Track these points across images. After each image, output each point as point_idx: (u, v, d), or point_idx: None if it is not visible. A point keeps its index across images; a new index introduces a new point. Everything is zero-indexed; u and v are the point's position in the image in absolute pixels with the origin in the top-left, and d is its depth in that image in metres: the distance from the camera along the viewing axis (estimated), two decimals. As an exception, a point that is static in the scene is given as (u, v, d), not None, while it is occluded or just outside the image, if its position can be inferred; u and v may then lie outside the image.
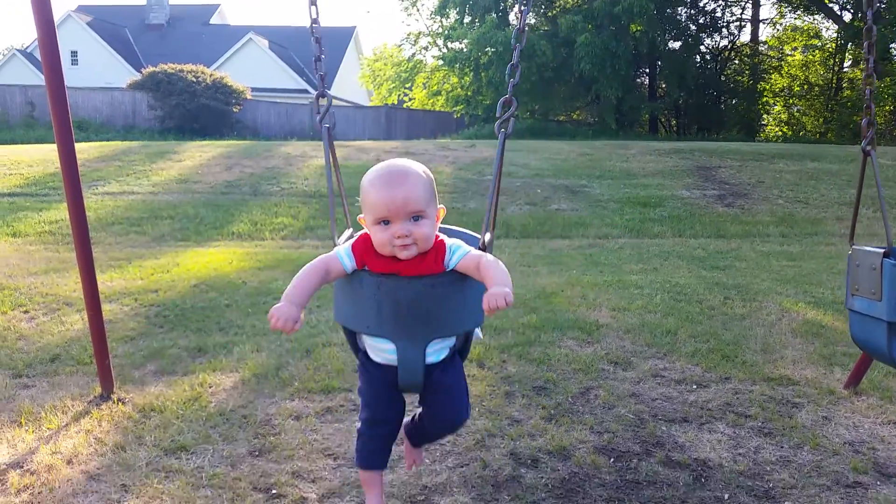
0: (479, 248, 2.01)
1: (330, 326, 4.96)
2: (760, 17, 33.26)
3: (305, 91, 35.61)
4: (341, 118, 27.04)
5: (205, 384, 3.80)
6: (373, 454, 2.13)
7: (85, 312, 4.99)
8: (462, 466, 3.01)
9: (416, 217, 1.86)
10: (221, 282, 6.37)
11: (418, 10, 34.69)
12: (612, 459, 3.11)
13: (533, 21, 29.26)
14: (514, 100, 2.20)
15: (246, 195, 11.36)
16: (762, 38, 33.66)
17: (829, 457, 3.13)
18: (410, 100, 36.63)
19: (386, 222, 1.86)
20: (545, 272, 7.22)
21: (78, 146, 3.76)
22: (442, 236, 1.98)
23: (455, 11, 28.79)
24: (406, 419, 2.27)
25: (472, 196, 11.11)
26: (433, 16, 31.91)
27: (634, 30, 25.43)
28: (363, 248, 1.94)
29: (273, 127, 26.98)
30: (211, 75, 26.32)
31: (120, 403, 3.49)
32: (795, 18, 32.79)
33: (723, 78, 31.11)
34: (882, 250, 2.27)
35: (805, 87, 31.12)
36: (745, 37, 33.27)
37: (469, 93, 27.80)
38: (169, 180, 12.10)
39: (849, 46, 27.96)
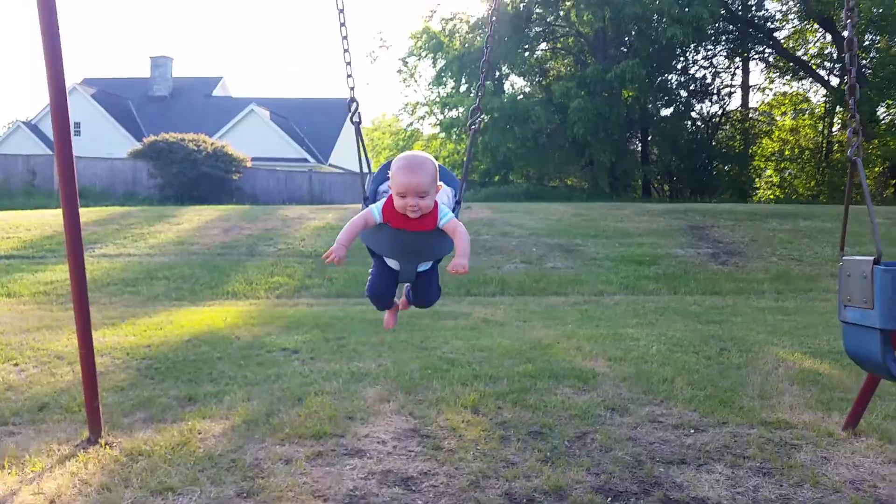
0: (458, 191, 3.17)
1: (323, 376, 4.92)
2: (750, 84, 34.17)
3: (305, 160, 36.15)
4: (339, 184, 27.35)
5: (194, 430, 3.74)
6: (381, 305, 3.16)
7: (76, 365, 4.97)
8: (455, 507, 2.94)
9: (422, 195, 2.73)
10: (214, 337, 6.34)
11: (416, 80, 35.53)
12: (609, 499, 3.05)
13: (528, 89, 30.00)
14: (481, 110, 3.33)
15: (242, 256, 11.40)
16: (752, 104, 34.50)
17: (829, 494, 3.07)
18: (408, 167, 37.08)
19: (403, 195, 2.73)
20: (541, 326, 7.20)
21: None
22: (438, 200, 2.84)
23: (452, 80, 29.53)
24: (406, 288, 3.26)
25: (467, 255, 11.13)
26: (430, 86, 32.75)
27: (626, 96, 26.03)
28: (389, 209, 2.82)
29: (272, 193, 27.25)
30: (212, 144, 26.72)
31: (107, 447, 3.43)
32: (784, 84, 33.67)
33: (714, 143, 31.73)
34: (872, 258, 2.27)
35: (796, 150, 31.70)
36: (736, 103, 34.11)
37: (465, 157, 28.23)
38: (166, 242, 12.16)
39: (837, 110, 28.59)
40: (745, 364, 5.46)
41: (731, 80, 33.73)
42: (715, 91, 32.44)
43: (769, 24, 31.35)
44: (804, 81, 32.29)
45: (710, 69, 32.45)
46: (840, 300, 2.44)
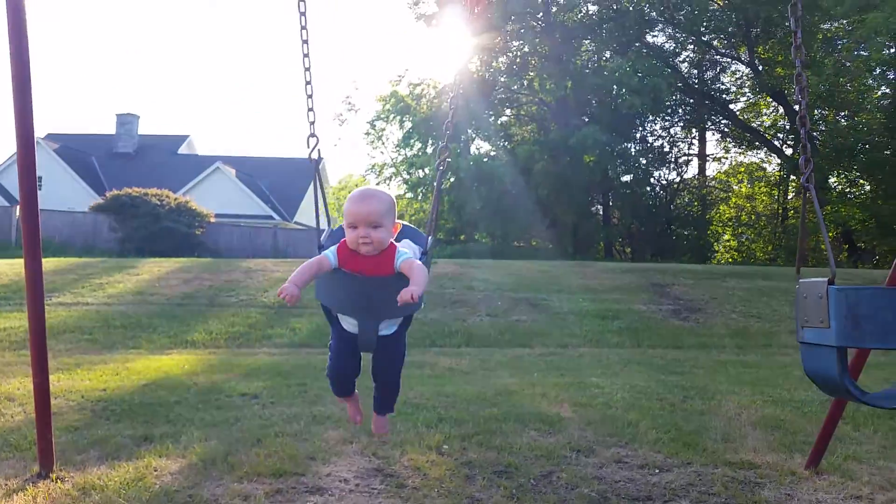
0: (425, 245, 2.85)
1: (284, 419, 4.81)
2: (707, 153, 35.33)
3: (271, 217, 36.07)
4: (305, 241, 27.25)
5: (150, 467, 3.62)
6: (342, 390, 2.92)
7: (27, 406, 4.80)
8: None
9: (375, 226, 2.55)
10: (172, 382, 6.18)
11: (383, 143, 36.03)
12: (574, 532, 3.00)
13: (493, 152, 30.59)
14: (448, 148, 3.17)
15: (203, 306, 11.21)
16: (710, 171, 35.61)
17: (794, 527, 3.07)
18: (375, 225, 37.19)
19: (354, 227, 2.55)
20: (506, 375, 7.17)
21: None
22: (398, 244, 2.66)
23: (419, 142, 30.01)
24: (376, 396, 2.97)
25: (433, 307, 11.13)
26: (397, 147, 33.21)
27: (588, 161, 26.69)
28: (344, 251, 2.62)
29: (236, 249, 27.01)
30: (175, 199, 26.57)
31: (59, 482, 3.29)
32: (740, 154, 34.88)
33: (673, 208, 32.53)
34: (826, 279, 2.34)
35: (752, 216, 32.64)
36: (693, 170, 35.19)
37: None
38: (125, 292, 11.93)
39: (791, 178, 29.62)
40: (708, 410, 5.49)
41: (689, 149, 34.89)
42: (672, 159, 33.47)
43: (724, 96, 32.67)
44: (759, 151, 33.51)
45: (667, 138, 33.56)
46: (798, 322, 2.50)
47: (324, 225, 3.03)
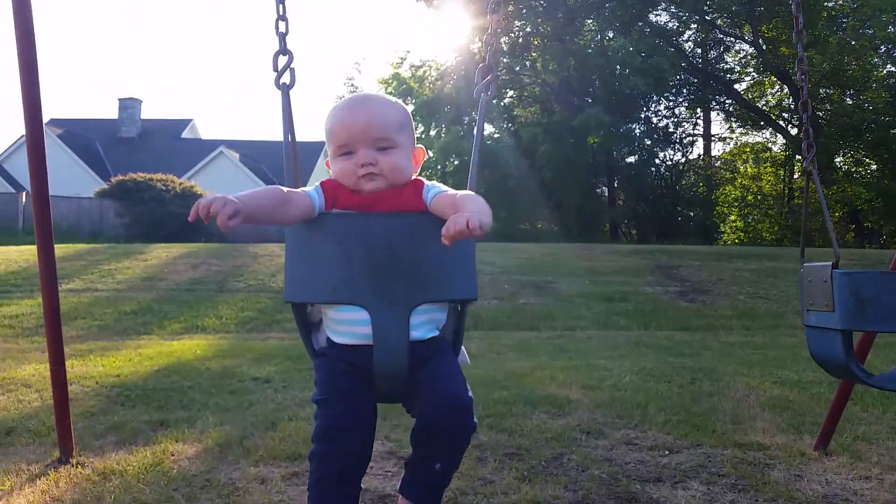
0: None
1: (297, 403, 4.86)
2: (712, 133, 35.23)
3: (274, 201, 36.15)
4: (309, 225, 27.33)
5: (167, 452, 3.68)
6: (332, 482, 1.60)
7: (44, 392, 4.87)
8: (435, 521, 2.92)
9: (383, 147, 1.68)
10: (184, 367, 6.25)
11: (386, 125, 35.94)
12: (587, 513, 3.05)
13: (497, 135, 30.53)
14: (495, 67, 2.20)
15: (212, 291, 11.28)
16: (715, 152, 35.52)
17: (804, 507, 3.12)
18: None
19: (349, 153, 1.67)
20: (514, 358, 7.23)
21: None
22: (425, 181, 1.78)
23: (421, 124, 29.97)
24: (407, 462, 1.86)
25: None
26: (400, 129, 33.17)
27: (592, 142, 26.62)
28: (333, 186, 1.69)
29: (241, 234, 27.05)
30: (180, 184, 26.63)
31: (79, 467, 3.35)
32: (744, 134, 34.75)
33: (678, 189, 32.46)
34: (830, 263, 2.38)
35: (759, 197, 32.56)
36: (698, 151, 35.08)
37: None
38: (134, 278, 12.00)
39: (796, 158, 29.53)
40: (717, 392, 5.53)
41: (693, 129, 34.75)
42: (677, 140, 33.36)
43: (729, 76, 32.48)
44: (764, 131, 33.39)
45: (672, 119, 33.44)
46: (803, 305, 2.54)
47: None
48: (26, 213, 25.55)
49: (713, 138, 35.04)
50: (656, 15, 31.46)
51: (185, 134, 45.53)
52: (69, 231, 24.88)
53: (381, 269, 1.62)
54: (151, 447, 3.76)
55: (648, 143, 31.67)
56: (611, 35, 30.41)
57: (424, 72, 31.91)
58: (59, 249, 14.47)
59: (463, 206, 1.53)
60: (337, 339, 1.73)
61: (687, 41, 32.45)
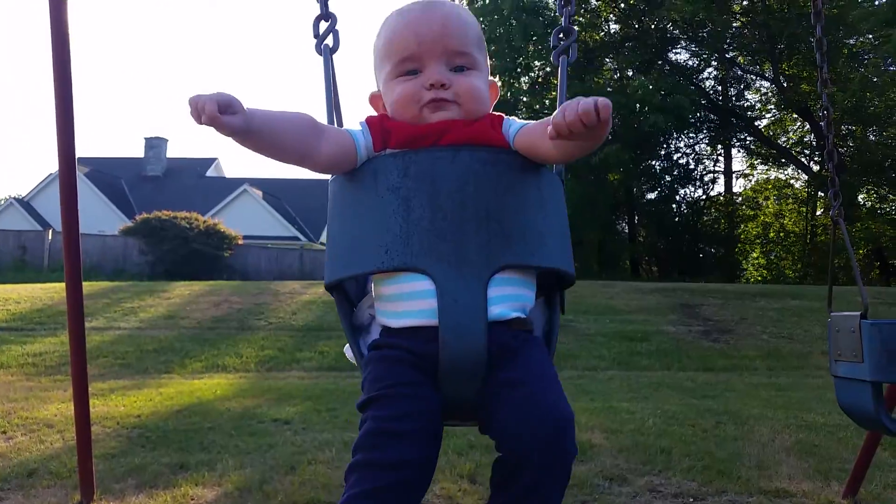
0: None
1: (316, 446, 4.85)
2: (733, 170, 35.10)
3: (297, 238, 36.42)
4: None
5: (187, 496, 3.67)
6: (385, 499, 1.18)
7: (66, 433, 4.90)
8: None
9: (460, 66, 1.30)
10: (205, 408, 6.27)
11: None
12: (610, 565, 2.99)
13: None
14: (574, 29, 1.94)
15: (233, 329, 11.35)
16: (736, 188, 35.34)
17: (833, 560, 3.03)
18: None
19: (413, 72, 1.27)
20: (535, 399, 7.16)
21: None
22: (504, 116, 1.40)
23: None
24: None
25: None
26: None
27: (613, 179, 26.64)
28: (383, 123, 1.32)
29: (263, 272, 27.32)
30: (204, 222, 26.95)
31: (98, 511, 3.36)
32: (766, 171, 34.60)
33: (700, 226, 32.27)
34: (858, 313, 2.35)
35: (781, 234, 32.27)
36: (720, 188, 34.93)
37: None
38: (156, 316, 12.11)
39: (819, 195, 29.30)
40: (742, 436, 5.43)
41: (714, 166, 34.67)
42: (698, 176, 33.26)
43: (749, 113, 32.48)
44: (786, 168, 33.23)
45: (692, 156, 33.39)
46: (831, 355, 2.50)
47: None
48: (52, 251, 25.98)
49: (734, 175, 35.00)
50: (676, 53, 31.74)
51: (210, 172, 46.25)
52: (93, 268, 25.24)
53: (451, 222, 1.22)
54: (171, 491, 3.76)
55: (669, 179, 31.62)
56: (630, 74, 30.65)
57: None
58: (84, 287, 14.65)
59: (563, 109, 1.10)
60: (393, 324, 1.29)
61: (707, 79, 32.63)
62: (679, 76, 29.10)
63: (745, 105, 32.75)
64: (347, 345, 1.54)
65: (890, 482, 4.18)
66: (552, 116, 1.12)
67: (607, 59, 31.42)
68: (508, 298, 1.30)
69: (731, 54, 30.44)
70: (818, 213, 31.05)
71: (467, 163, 1.23)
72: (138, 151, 47.91)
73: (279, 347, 10.24)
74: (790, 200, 33.22)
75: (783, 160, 32.11)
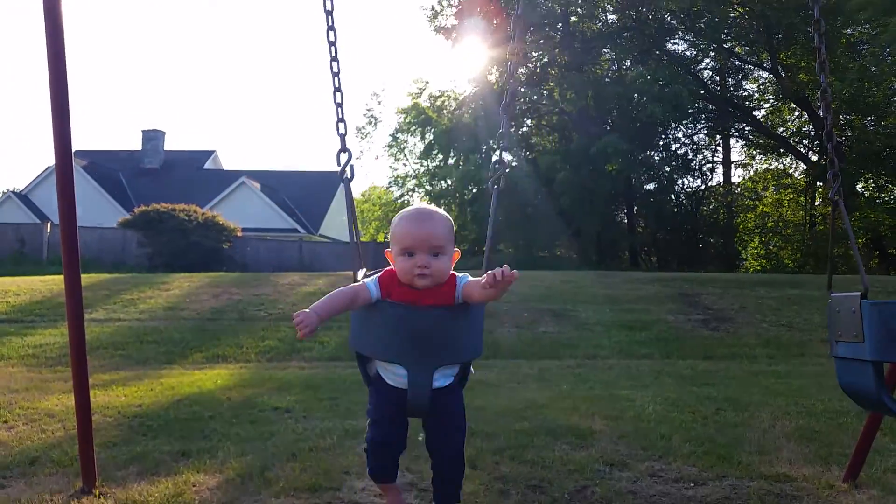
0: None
1: (317, 433, 4.86)
2: (732, 160, 35.06)
3: (295, 230, 36.38)
4: (329, 254, 27.47)
5: (188, 482, 3.68)
6: (383, 470, 2.42)
7: (67, 422, 4.91)
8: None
9: (436, 253, 2.20)
10: (205, 397, 6.28)
11: (405, 155, 36.30)
12: (612, 547, 3.00)
13: (515, 163, 30.63)
14: (503, 159, 2.85)
15: (233, 320, 11.35)
16: (735, 178, 35.30)
17: (834, 542, 3.04)
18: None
19: (410, 254, 2.18)
20: (535, 387, 7.17)
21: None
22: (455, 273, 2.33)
23: (440, 154, 30.16)
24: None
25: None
26: (419, 159, 33.38)
27: (611, 169, 26.61)
28: (389, 280, 2.25)
29: (262, 263, 27.29)
30: (203, 214, 26.91)
31: (101, 497, 3.36)
32: (764, 161, 34.55)
33: (698, 216, 32.24)
34: (859, 294, 2.34)
35: (780, 224, 32.27)
36: (718, 178, 34.90)
37: (455, 227, 28.64)
38: (156, 308, 12.11)
39: (818, 185, 29.28)
40: (742, 422, 5.45)
41: (713, 156, 34.62)
42: (697, 167, 33.21)
43: (747, 103, 32.41)
44: (784, 158, 33.19)
45: (691, 146, 33.33)
46: (831, 337, 2.50)
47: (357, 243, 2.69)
48: (50, 244, 25.94)
49: (733, 165, 34.92)
50: (674, 44, 31.62)
51: (208, 165, 46.13)
52: (92, 261, 25.19)
53: (418, 343, 2.20)
54: (173, 478, 3.77)
55: (668, 170, 31.54)
56: (628, 64, 30.54)
57: (443, 101, 32.21)
58: (83, 279, 14.63)
59: (488, 277, 2.11)
60: (386, 379, 2.34)
61: (705, 69, 32.51)
62: (677, 66, 29.02)
63: (744, 95, 32.69)
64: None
65: (890, 466, 4.19)
66: (484, 278, 2.10)
67: (605, 49, 31.34)
68: (443, 376, 2.32)
69: (729, 44, 30.35)
70: (817, 202, 31.04)
71: (432, 315, 2.22)
72: (136, 144, 47.83)
73: (279, 338, 10.24)
74: (789, 190, 33.19)
75: (782, 150, 32.07)
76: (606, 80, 29.47)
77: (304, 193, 40.55)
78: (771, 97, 32.19)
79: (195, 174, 43.26)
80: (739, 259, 32.56)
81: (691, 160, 32.97)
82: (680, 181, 32.54)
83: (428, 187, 32.18)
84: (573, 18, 30.14)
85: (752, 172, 35.39)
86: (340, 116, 2.78)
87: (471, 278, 2.25)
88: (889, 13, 20.79)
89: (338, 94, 2.83)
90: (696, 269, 26.73)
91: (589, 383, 7.52)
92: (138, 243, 25.81)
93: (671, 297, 13.64)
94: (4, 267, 22.42)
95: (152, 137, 45.08)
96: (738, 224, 32.64)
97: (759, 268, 31.68)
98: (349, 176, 2.68)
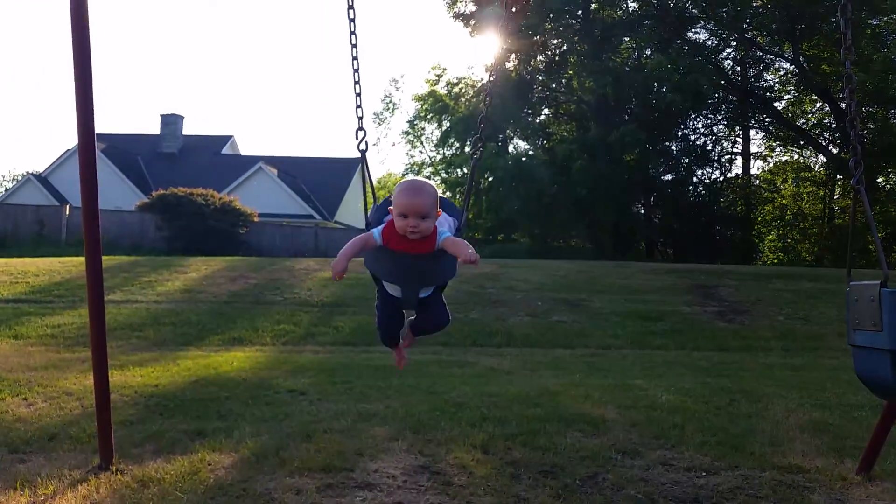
0: (460, 220, 3.20)
1: (332, 415, 4.91)
2: (751, 151, 34.65)
3: (311, 216, 36.48)
4: (345, 240, 27.37)
5: (203, 461, 3.73)
6: (387, 339, 3.25)
7: (85, 400, 4.98)
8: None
9: (423, 216, 2.81)
10: (221, 378, 6.34)
11: (422, 143, 36.24)
12: (622, 533, 3.02)
13: (532, 151, 30.50)
14: (482, 141, 3.52)
15: (249, 304, 11.43)
16: (754, 170, 34.90)
17: (846, 533, 3.04)
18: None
19: (404, 216, 2.80)
20: (548, 375, 7.18)
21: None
22: (438, 226, 2.93)
23: (457, 142, 30.07)
24: (410, 320, 3.33)
25: (473, 307, 11.18)
26: (436, 147, 33.30)
27: (628, 159, 26.41)
28: (389, 232, 2.89)
29: (278, 248, 27.41)
30: (220, 199, 27.02)
31: (118, 474, 3.42)
32: (784, 153, 34.13)
33: (716, 207, 31.92)
34: (878, 282, 2.32)
35: (798, 217, 31.91)
36: (737, 169, 34.53)
37: (470, 216, 28.58)
38: (174, 290, 12.22)
39: (838, 178, 28.92)
40: (755, 414, 5.43)
41: (732, 147, 34.24)
42: (715, 158, 32.83)
43: (768, 94, 32.00)
44: (805, 150, 32.76)
45: (710, 137, 32.97)
46: (849, 325, 2.48)
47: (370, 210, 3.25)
48: (70, 226, 26.19)
49: (752, 157, 34.49)
50: (695, 33, 31.12)
51: (226, 150, 46.24)
52: (110, 244, 25.38)
53: (408, 275, 2.99)
54: (189, 456, 3.82)
55: (686, 160, 31.19)
56: (648, 52, 30.19)
57: (461, 89, 32.09)
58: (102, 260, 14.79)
59: (458, 247, 2.77)
60: (387, 289, 3.10)
61: (726, 59, 32.04)
62: (697, 55, 28.66)
63: (765, 86, 32.21)
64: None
65: (905, 458, 4.17)
66: (466, 249, 2.72)
67: (625, 38, 31.00)
68: (426, 291, 3.11)
69: (751, 34, 29.91)
70: (836, 195, 30.65)
71: (417, 261, 2.91)
72: (154, 128, 48.01)
73: (295, 322, 10.30)
74: (808, 183, 32.77)
75: (802, 142, 31.63)
76: (626, 68, 29.13)
77: (321, 180, 40.56)
78: (792, 88, 31.73)
79: (213, 159, 43.39)
80: (756, 252, 32.25)
81: (710, 151, 32.58)
82: (698, 172, 32.20)
83: (444, 175, 32.16)
84: (594, 6, 29.79)
85: (771, 164, 35.00)
86: (358, 91, 3.43)
87: (449, 234, 2.94)
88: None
89: (354, 62, 3.46)
90: (712, 261, 26.55)
91: (602, 372, 7.52)
92: (156, 227, 25.98)
93: (687, 289, 13.57)
94: (24, 248, 22.68)
95: (171, 121, 45.23)
96: (755, 216, 32.29)
97: (776, 261, 31.38)
98: (365, 148, 3.32)
